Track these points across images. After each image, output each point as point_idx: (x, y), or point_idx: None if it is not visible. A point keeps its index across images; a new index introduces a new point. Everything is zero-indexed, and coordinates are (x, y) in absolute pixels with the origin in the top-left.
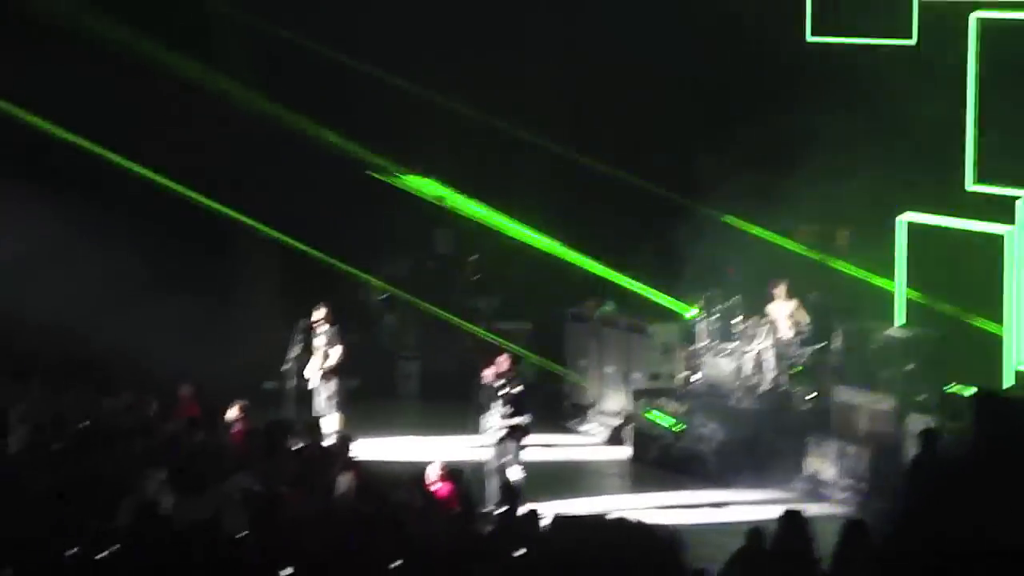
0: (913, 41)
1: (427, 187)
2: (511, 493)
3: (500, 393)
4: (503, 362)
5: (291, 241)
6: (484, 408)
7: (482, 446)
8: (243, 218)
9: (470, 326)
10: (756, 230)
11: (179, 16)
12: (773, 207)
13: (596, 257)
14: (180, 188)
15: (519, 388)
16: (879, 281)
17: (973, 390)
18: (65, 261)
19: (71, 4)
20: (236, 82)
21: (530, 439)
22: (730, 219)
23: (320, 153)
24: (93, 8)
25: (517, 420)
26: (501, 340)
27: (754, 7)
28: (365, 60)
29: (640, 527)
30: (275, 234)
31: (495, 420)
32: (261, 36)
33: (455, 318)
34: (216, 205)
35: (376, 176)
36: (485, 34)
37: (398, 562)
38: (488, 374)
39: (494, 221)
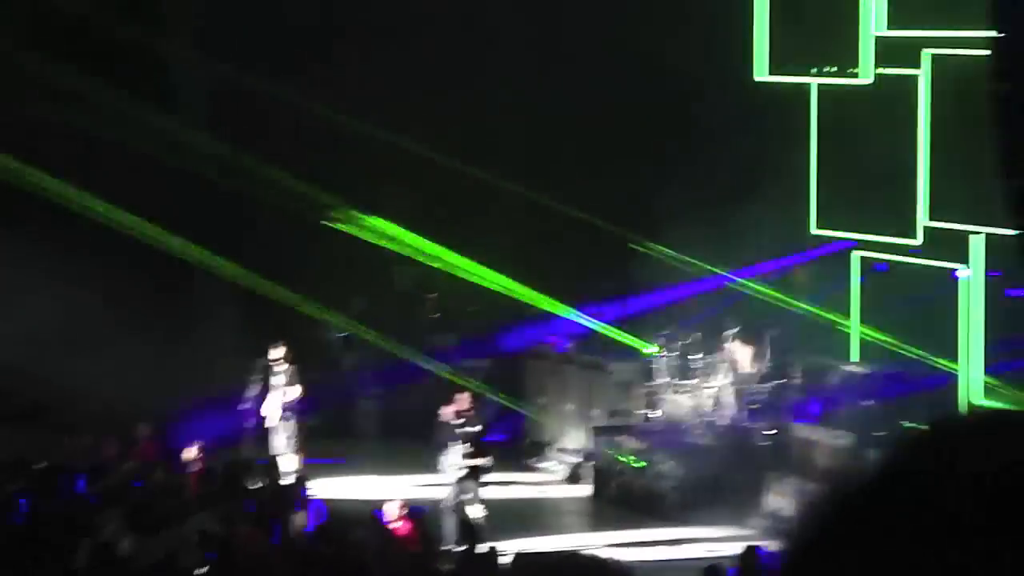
0: (870, 80)
1: (385, 227)
2: (471, 531)
3: (459, 431)
4: (463, 400)
5: (250, 279)
6: (443, 446)
7: (441, 484)
8: (200, 256)
9: (430, 364)
10: (715, 268)
11: (135, 57)
12: (729, 244)
13: (555, 295)
14: (138, 227)
15: (479, 427)
16: (836, 317)
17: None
18: (22, 300)
19: (27, 50)
20: (193, 124)
21: (490, 477)
22: (686, 258)
23: (279, 192)
24: (53, 53)
25: (478, 461)
26: (460, 379)
27: (705, 46)
28: (321, 101)
29: (596, 562)
30: (233, 271)
31: (455, 459)
32: (217, 78)
33: (415, 356)
34: (174, 243)
35: (334, 216)
36: (442, 75)
37: None
38: (447, 412)
39: (453, 260)
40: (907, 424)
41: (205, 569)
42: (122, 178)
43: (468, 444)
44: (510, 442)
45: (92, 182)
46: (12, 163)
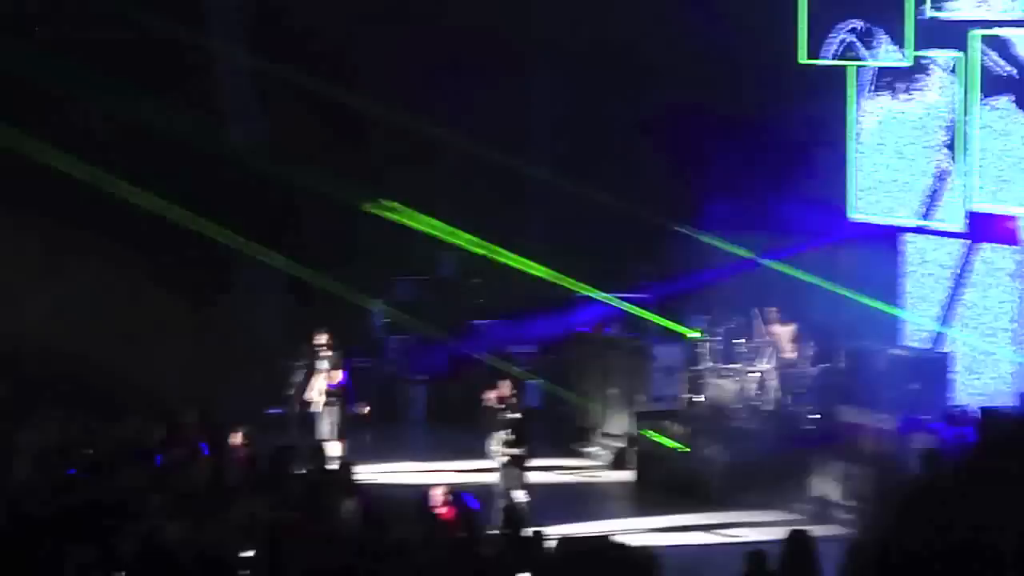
0: (910, 61)
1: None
2: (515, 516)
3: (500, 418)
4: (504, 387)
5: (294, 267)
6: (487, 431)
7: (486, 469)
8: (245, 245)
9: (474, 350)
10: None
11: (175, 54)
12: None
13: (596, 281)
14: (182, 216)
15: (519, 414)
16: (879, 304)
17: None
18: (73, 287)
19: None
20: (236, 110)
21: (533, 463)
22: (729, 245)
23: (320, 180)
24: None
25: (517, 451)
26: (503, 365)
27: (743, 29)
28: (363, 92)
29: (644, 553)
30: (277, 259)
31: (497, 445)
32: (257, 69)
33: (459, 342)
34: (218, 231)
35: (376, 204)
36: (473, 59)
37: None
38: (491, 397)
39: (496, 247)
40: (953, 407)
41: (251, 555)
42: (165, 167)
43: (509, 431)
44: (554, 428)
45: (137, 171)
46: (52, 150)
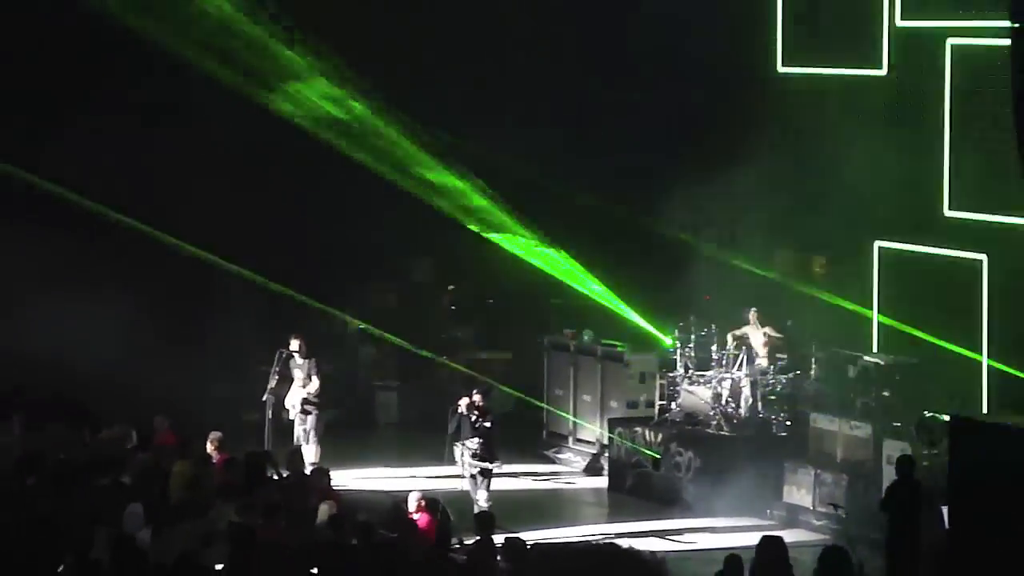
0: (884, 71)
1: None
2: (487, 523)
3: (474, 426)
4: (477, 394)
5: (269, 274)
6: (456, 437)
7: (456, 475)
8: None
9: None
10: (731, 258)
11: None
12: (749, 234)
13: (578, 285)
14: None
15: (489, 424)
16: (854, 308)
17: (948, 416)
18: (48, 296)
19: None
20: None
21: (506, 469)
22: (705, 247)
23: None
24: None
25: (485, 465)
26: (476, 371)
27: (725, 40)
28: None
29: (628, 552)
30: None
31: (467, 455)
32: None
33: (433, 348)
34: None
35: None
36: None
37: None
38: (463, 404)
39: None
40: (926, 415)
41: (226, 562)
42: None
43: (479, 441)
44: (526, 434)
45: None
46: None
